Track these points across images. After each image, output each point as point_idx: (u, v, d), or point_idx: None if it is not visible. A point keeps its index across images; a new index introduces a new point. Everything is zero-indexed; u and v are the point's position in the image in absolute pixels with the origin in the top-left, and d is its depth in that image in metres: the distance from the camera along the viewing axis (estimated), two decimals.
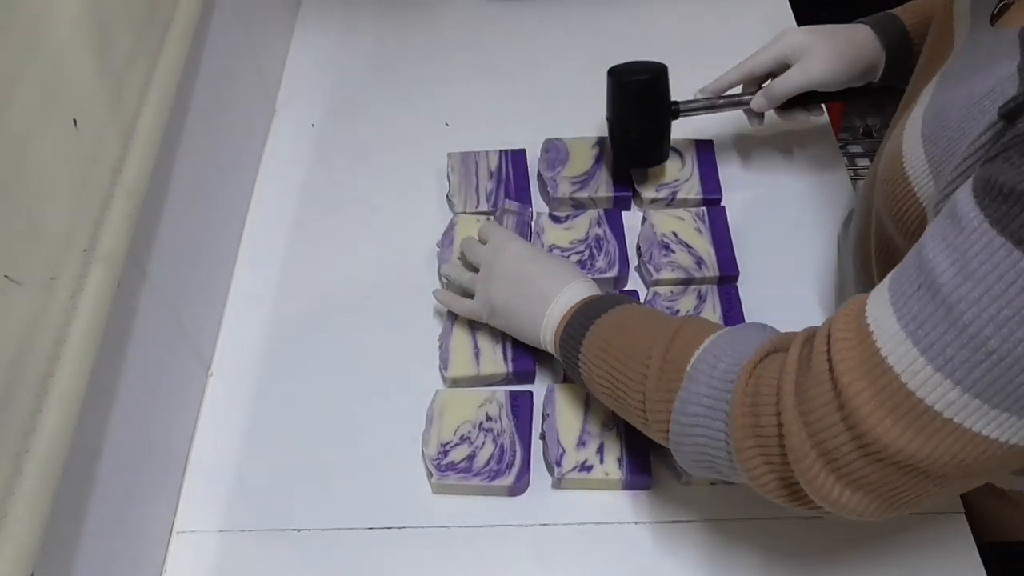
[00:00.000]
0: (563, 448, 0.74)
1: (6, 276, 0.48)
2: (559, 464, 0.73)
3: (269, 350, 0.85)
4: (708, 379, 0.57)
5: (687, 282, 0.85)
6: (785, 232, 0.92)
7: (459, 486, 0.73)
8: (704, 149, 0.96)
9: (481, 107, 1.05)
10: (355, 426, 0.79)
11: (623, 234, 0.88)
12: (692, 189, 0.92)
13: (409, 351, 0.83)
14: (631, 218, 0.91)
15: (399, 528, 0.73)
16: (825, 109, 0.97)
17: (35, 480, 0.49)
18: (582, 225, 0.89)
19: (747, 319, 0.81)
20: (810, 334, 0.55)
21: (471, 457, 0.74)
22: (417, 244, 0.91)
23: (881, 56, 0.84)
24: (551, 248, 0.87)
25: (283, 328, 0.86)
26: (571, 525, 0.73)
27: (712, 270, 0.85)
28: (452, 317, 0.83)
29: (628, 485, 0.74)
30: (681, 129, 0.92)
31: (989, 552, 0.70)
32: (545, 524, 0.73)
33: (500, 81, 1.08)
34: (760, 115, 0.91)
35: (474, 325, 0.82)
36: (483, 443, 0.75)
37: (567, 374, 0.76)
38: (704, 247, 0.87)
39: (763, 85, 0.89)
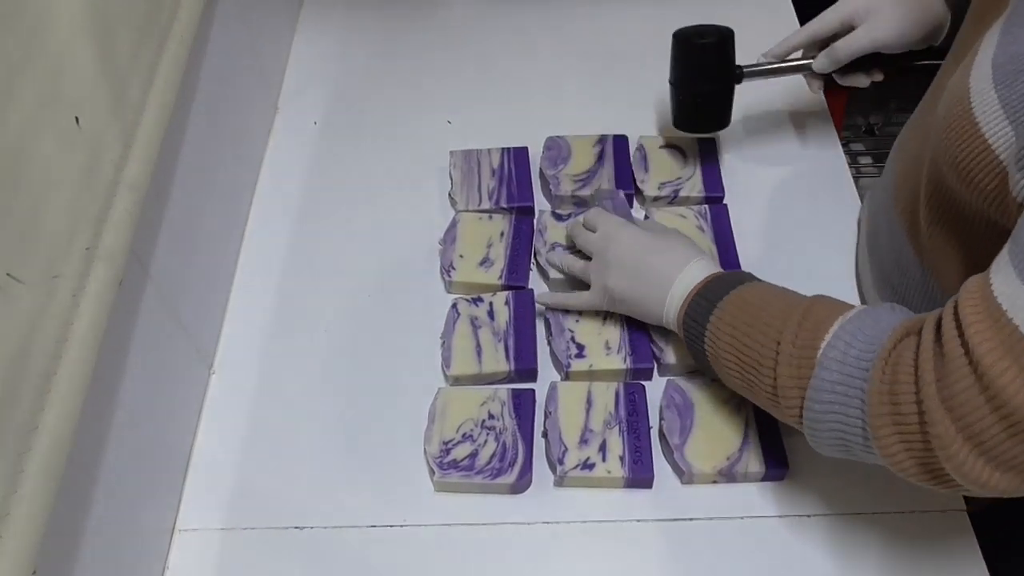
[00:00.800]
0: (565, 446, 0.74)
1: (8, 274, 0.48)
2: (561, 462, 0.73)
3: (271, 348, 0.85)
4: (840, 366, 0.58)
5: None
6: (787, 230, 0.92)
7: (461, 484, 0.73)
8: (706, 147, 0.96)
9: (483, 105, 1.05)
10: (357, 424, 0.79)
11: None
12: (694, 187, 0.92)
13: (411, 349, 0.83)
14: (634, 216, 0.91)
15: (401, 526, 0.73)
16: (864, 81, 0.91)
17: (37, 478, 0.49)
18: None
19: None
20: (939, 317, 0.55)
21: (473, 455, 0.74)
22: (419, 242, 0.91)
23: (947, 17, 0.83)
24: (553, 246, 0.87)
25: (285, 326, 0.86)
26: (573, 523, 0.73)
27: None
28: (454, 314, 0.83)
29: (630, 483, 0.74)
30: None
31: None
32: (547, 522, 0.73)
33: (502, 79, 1.08)
34: (821, 78, 0.91)
35: (476, 323, 0.82)
36: (485, 441, 0.75)
37: (694, 358, 0.74)
38: (706, 245, 0.87)
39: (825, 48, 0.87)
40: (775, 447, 0.74)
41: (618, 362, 0.79)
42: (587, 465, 0.73)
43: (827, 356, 0.59)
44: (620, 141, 0.96)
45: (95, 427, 0.61)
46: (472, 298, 0.84)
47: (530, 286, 0.86)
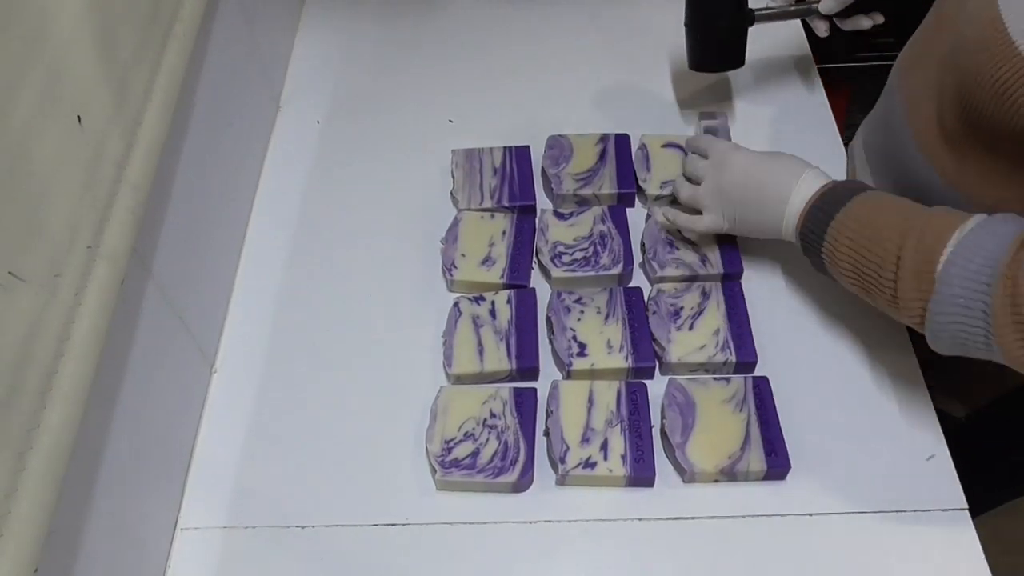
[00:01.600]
0: (567, 445, 0.74)
1: (10, 273, 0.48)
2: (563, 461, 0.73)
3: (273, 347, 0.85)
4: (961, 280, 0.61)
5: (691, 279, 0.85)
6: None
7: (463, 483, 0.73)
8: None
9: (485, 104, 1.05)
10: (359, 422, 0.79)
11: (627, 231, 0.88)
12: None
13: (413, 347, 0.83)
14: (635, 215, 0.91)
15: (403, 525, 0.73)
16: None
17: (39, 477, 0.49)
18: (586, 222, 0.89)
19: (751, 316, 0.81)
20: None
21: (475, 454, 0.74)
22: (421, 241, 0.91)
23: None
24: (555, 245, 0.87)
25: (287, 325, 0.86)
26: (575, 522, 0.73)
27: (716, 267, 0.85)
28: (456, 313, 0.83)
29: (632, 482, 0.74)
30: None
31: None
32: (549, 521, 0.73)
33: (504, 78, 1.08)
34: (826, 19, 0.93)
35: (477, 322, 0.82)
36: (487, 440, 0.75)
37: (811, 263, 0.77)
38: (708, 244, 0.87)
39: None
40: (777, 446, 0.74)
41: (620, 361, 0.79)
42: (589, 464, 0.73)
43: (947, 272, 0.62)
44: (622, 140, 0.96)
45: (97, 426, 0.61)
46: (474, 297, 0.84)
47: (532, 285, 0.86)
